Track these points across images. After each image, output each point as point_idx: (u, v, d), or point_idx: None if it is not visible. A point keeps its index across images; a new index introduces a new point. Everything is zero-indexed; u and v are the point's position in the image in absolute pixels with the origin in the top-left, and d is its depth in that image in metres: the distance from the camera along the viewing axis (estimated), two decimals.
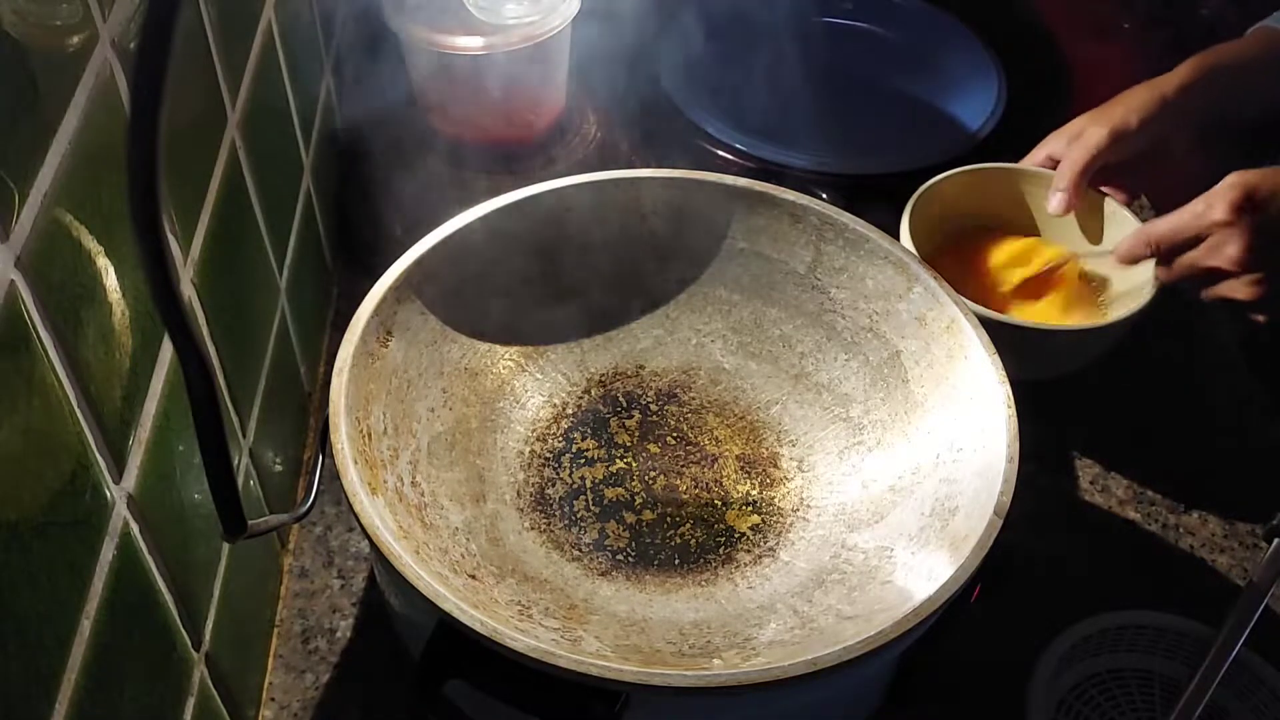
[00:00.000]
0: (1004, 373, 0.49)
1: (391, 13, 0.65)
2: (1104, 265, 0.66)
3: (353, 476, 0.44)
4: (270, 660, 0.53)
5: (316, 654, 0.53)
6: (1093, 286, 0.67)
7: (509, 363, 0.57)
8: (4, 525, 0.29)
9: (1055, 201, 0.65)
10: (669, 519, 0.53)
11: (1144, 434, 0.65)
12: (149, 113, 0.24)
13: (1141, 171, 0.65)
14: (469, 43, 0.64)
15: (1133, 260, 0.61)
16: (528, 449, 0.55)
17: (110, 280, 0.35)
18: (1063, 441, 0.65)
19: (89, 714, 0.33)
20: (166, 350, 0.40)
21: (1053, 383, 0.68)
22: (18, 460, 0.29)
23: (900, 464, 0.51)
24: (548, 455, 0.55)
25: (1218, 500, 0.62)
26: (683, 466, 0.55)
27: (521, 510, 0.52)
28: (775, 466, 0.55)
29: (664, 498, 0.54)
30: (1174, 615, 0.53)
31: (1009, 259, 0.67)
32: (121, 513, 0.36)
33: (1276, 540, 0.47)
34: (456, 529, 0.49)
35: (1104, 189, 0.66)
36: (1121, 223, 0.65)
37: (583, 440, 0.56)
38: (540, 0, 0.66)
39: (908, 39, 0.89)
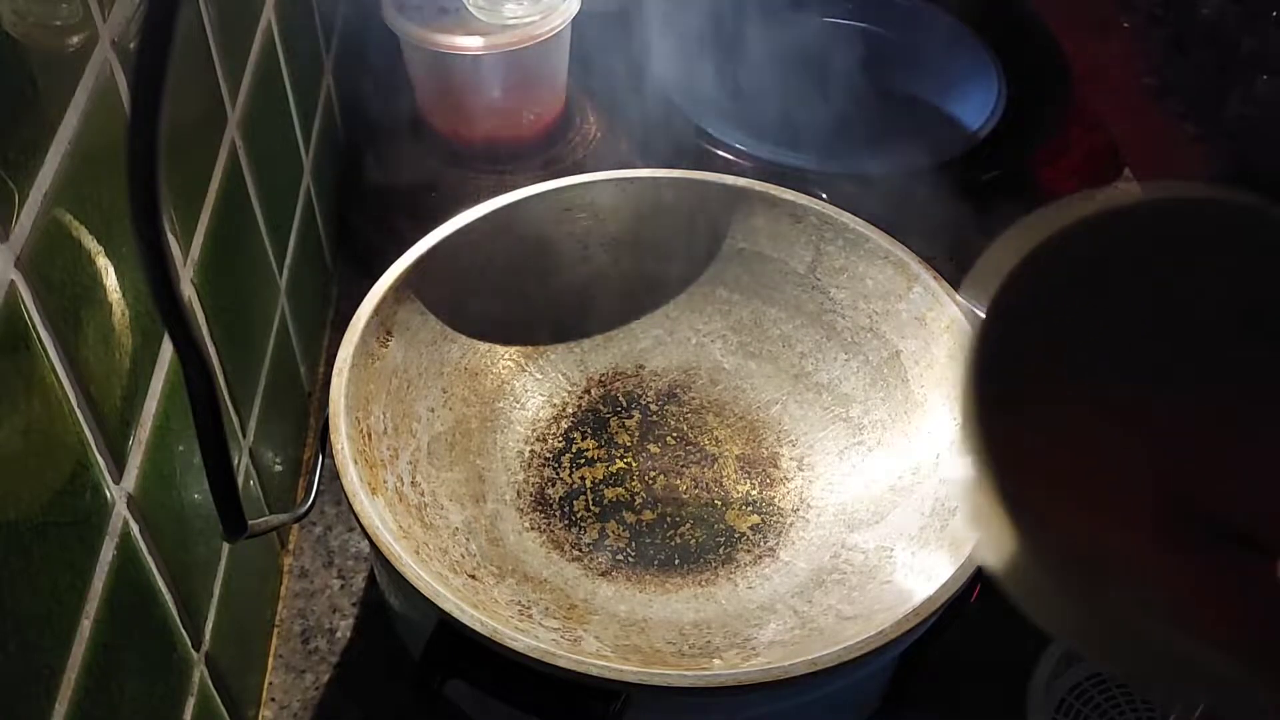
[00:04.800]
0: None
1: (391, 13, 0.65)
2: None
3: (353, 476, 0.44)
4: (270, 660, 0.53)
5: (316, 654, 0.53)
6: None
7: (509, 363, 0.57)
8: (4, 525, 0.29)
9: None
10: (669, 519, 0.53)
11: None
12: (149, 113, 0.24)
13: None
14: (469, 43, 0.64)
15: None
16: (528, 449, 0.55)
17: (110, 280, 0.35)
18: None
19: (89, 714, 0.33)
20: (166, 350, 0.40)
21: None
22: (17, 460, 0.29)
23: (900, 464, 0.51)
24: (548, 455, 0.55)
25: None
26: (683, 466, 0.55)
27: (521, 510, 0.52)
28: (775, 466, 0.55)
29: (664, 498, 0.54)
30: None
31: None
32: (121, 513, 0.36)
33: None
34: (456, 529, 0.49)
35: None
36: None
37: (583, 440, 0.56)
38: (540, 0, 0.66)
39: (908, 39, 0.89)
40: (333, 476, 0.54)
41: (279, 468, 0.56)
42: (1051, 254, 0.29)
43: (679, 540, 0.52)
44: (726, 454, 0.56)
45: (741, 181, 0.57)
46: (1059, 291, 0.30)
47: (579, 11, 0.67)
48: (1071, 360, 0.30)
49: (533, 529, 0.52)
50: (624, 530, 0.52)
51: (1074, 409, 0.30)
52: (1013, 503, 0.26)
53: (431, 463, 0.51)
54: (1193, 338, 0.30)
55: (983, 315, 0.28)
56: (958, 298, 0.52)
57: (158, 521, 0.38)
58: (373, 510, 0.43)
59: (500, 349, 0.57)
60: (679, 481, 0.54)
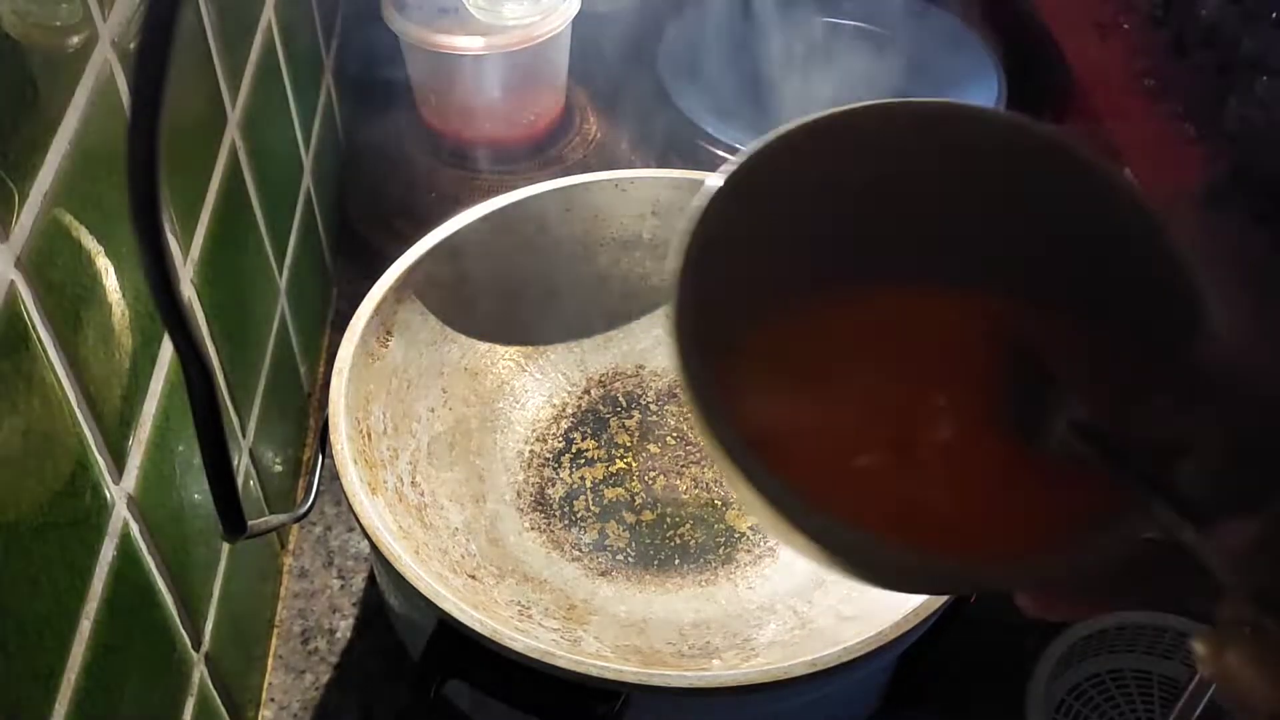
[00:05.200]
0: None
1: (391, 13, 0.65)
2: None
3: (353, 476, 0.44)
4: (270, 660, 0.53)
5: (316, 654, 0.53)
6: None
7: (509, 363, 0.57)
8: (4, 525, 0.29)
9: None
10: (669, 519, 0.53)
11: None
12: (149, 113, 0.24)
13: None
14: (469, 43, 0.64)
15: None
16: (528, 449, 0.55)
17: (110, 280, 0.35)
18: None
19: (89, 714, 0.33)
20: (166, 350, 0.40)
21: None
22: (17, 460, 0.29)
23: None
24: (548, 455, 0.55)
25: None
26: (683, 466, 0.55)
27: (521, 510, 0.52)
28: None
29: (664, 498, 0.54)
30: (1174, 615, 0.53)
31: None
32: (121, 513, 0.36)
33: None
34: (456, 529, 0.49)
35: None
36: None
37: (583, 440, 0.56)
38: (540, 0, 0.66)
39: (908, 39, 0.89)
40: (333, 476, 0.54)
41: (279, 468, 0.56)
42: (762, 165, 0.29)
43: (679, 540, 0.52)
44: None
45: None
46: (767, 201, 0.29)
47: (579, 11, 0.67)
48: (782, 269, 0.30)
49: (533, 529, 0.52)
50: (624, 530, 0.52)
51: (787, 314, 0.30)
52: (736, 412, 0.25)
53: (431, 463, 0.51)
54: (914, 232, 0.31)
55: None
56: None
57: (158, 521, 0.38)
58: (373, 510, 0.43)
59: (500, 349, 0.57)
60: (679, 481, 0.54)
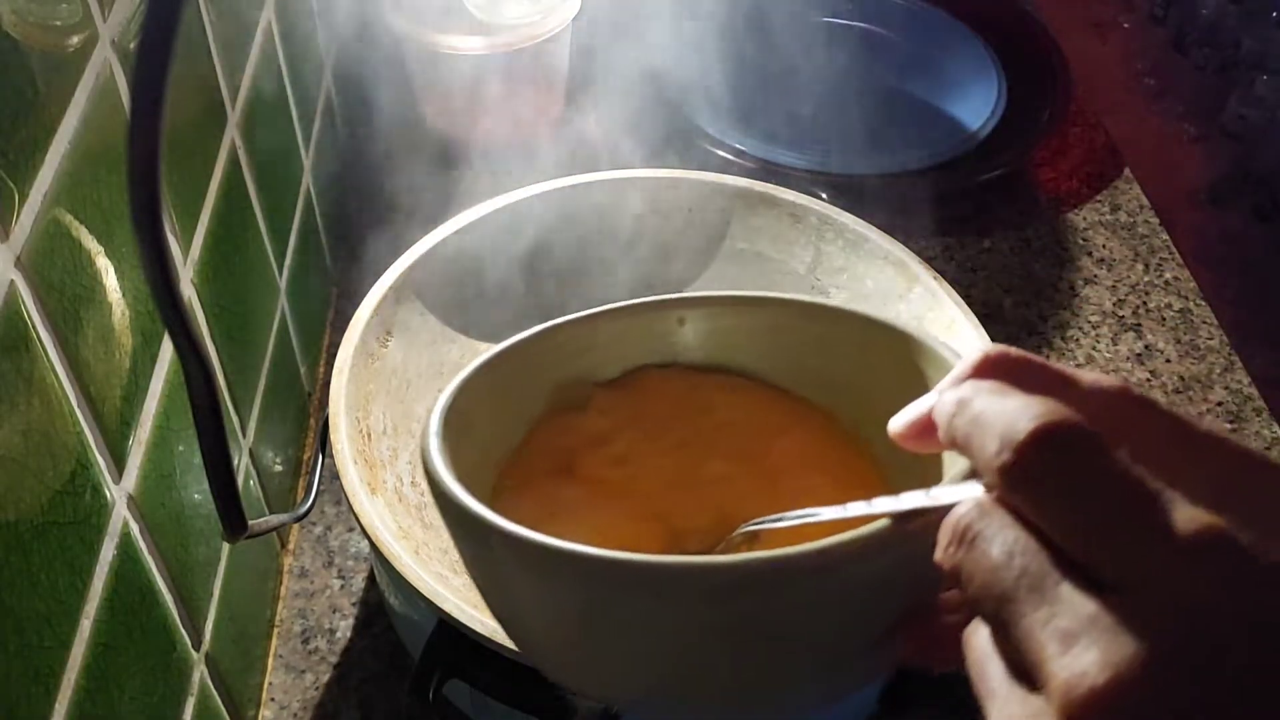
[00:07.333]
0: None
1: (391, 13, 0.65)
2: None
3: (353, 476, 0.44)
4: (270, 660, 0.53)
5: (316, 654, 0.53)
6: None
7: None
8: (4, 525, 0.29)
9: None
10: None
11: None
12: (149, 113, 0.24)
13: None
14: (469, 43, 0.64)
15: None
16: None
17: (110, 280, 0.35)
18: None
19: (89, 714, 0.33)
20: (166, 350, 0.40)
21: None
22: (17, 460, 0.29)
23: None
24: None
25: None
26: None
27: None
28: None
29: None
30: None
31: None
32: (121, 513, 0.36)
33: None
34: None
35: None
36: None
37: None
38: (540, 0, 0.66)
39: (908, 39, 0.89)
40: (333, 476, 0.54)
41: (279, 468, 0.56)
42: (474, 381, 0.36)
43: None
44: None
45: (741, 181, 0.57)
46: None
47: (579, 11, 0.67)
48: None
49: None
50: None
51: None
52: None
53: None
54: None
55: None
56: (957, 298, 0.52)
57: (158, 521, 0.38)
58: (373, 510, 0.43)
59: None
60: None
